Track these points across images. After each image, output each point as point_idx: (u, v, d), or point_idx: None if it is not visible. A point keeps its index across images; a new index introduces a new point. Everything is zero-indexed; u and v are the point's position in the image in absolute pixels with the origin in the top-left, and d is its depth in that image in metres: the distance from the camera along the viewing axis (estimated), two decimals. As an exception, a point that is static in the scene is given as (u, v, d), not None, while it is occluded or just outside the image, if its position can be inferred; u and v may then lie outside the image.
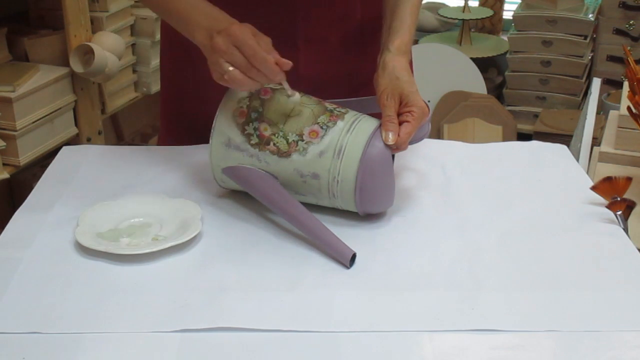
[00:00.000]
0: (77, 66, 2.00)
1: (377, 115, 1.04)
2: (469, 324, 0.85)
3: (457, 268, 0.95)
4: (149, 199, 1.08)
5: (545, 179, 1.18)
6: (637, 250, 0.99)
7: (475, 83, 3.08)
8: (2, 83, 1.86)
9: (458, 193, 1.13)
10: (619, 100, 1.78)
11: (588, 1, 3.13)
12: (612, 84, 2.97)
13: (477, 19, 3.32)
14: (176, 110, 1.32)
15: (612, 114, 1.81)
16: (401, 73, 1.04)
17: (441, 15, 3.38)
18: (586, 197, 1.10)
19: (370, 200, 1.02)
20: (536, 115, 3.10)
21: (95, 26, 2.12)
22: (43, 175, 1.19)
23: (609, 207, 1.07)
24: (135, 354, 0.81)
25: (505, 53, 3.20)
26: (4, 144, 1.83)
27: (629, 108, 1.50)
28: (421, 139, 1.06)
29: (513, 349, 0.82)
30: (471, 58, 3.09)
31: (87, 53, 2.00)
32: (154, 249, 0.96)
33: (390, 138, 1.00)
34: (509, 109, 3.12)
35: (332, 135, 1.00)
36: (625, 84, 1.64)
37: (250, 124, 1.03)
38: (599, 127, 2.19)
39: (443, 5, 3.50)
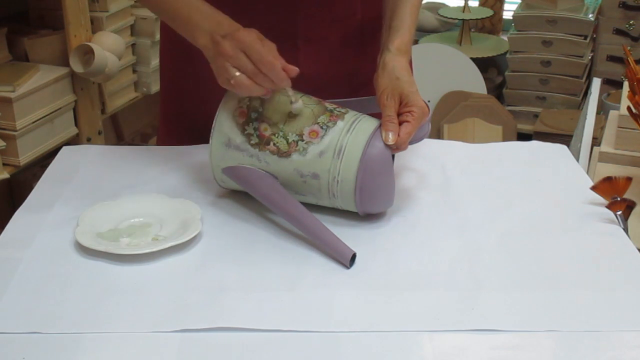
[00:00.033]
0: (77, 66, 2.00)
1: (377, 115, 1.04)
2: (469, 324, 0.85)
3: (457, 268, 0.95)
4: (149, 199, 1.08)
5: (545, 179, 1.18)
6: (637, 250, 0.99)
7: (475, 83, 3.08)
8: (2, 83, 1.86)
9: (458, 193, 1.13)
10: (619, 100, 1.78)
11: (588, 1, 3.13)
12: (612, 84, 2.97)
13: (477, 19, 3.32)
14: (176, 110, 1.32)
15: (612, 114, 1.81)
16: (401, 73, 1.04)
17: (441, 15, 3.38)
18: (586, 197, 1.10)
19: (370, 200, 1.02)
20: (536, 115, 3.10)
21: (95, 26, 2.12)
22: (43, 175, 1.19)
23: (609, 207, 1.07)
24: (135, 354, 0.81)
25: (505, 53, 3.20)
26: (4, 144, 1.83)
27: (629, 108, 1.50)
28: (421, 139, 1.06)
29: (513, 349, 0.82)
30: (471, 58, 3.10)
31: (87, 53, 2.00)
32: (154, 249, 0.96)
33: (390, 138, 1.00)
34: (509, 109, 3.12)
35: (332, 135, 1.01)
36: (625, 84, 1.64)
37: (250, 124, 1.03)
38: (599, 127, 2.19)
39: (443, 5, 3.50)
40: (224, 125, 1.04)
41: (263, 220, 1.06)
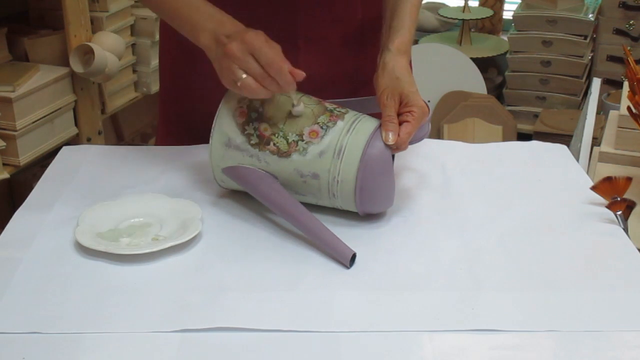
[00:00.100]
0: (77, 66, 2.00)
1: (377, 115, 1.04)
2: (469, 324, 0.85)
3: (457, 268, 0.95)
4: (149, 199, 1.08)
5: (545, 179, 1.18)
6: (637, 250, 0.99)
7: (475, 83, 3.08)
8: (2, 83, 1.86)
9: (458, 193, 1.13)
10: (619, 100, 1.78)
11: (588, 1, 3.13)
12: (612, 84, 2.97)
13: (477, 19, 3.32)
14: (176, 110, 1.32)
15: (612, 114, 1.81)
16: (401, 73, 1.04)
17: (441, 15, 3.38)
18: (586, 197, 1.10)
19: (370, 200, 1.02)
20: (536, 115, 3.10)
21: (95, 26, 2.12)
22: (43, 175, 1.19)
23: (609, 207, 1.07)
24: (135, 354, 0.81)
25: (505, 53, 3.20)
26: (4, 144, 1.83)
27: (629, 108, 1.50)
28: (421, 139, 1.06)
29: (513, 349, 0.82)
30: (471, 58, 3.09)
31: (87, 53, 2.01)
32: (154, 249, 0.96)
33: (390, 138, 1.00)
34: (509, 109, 3.12)
35: (332, 135, 1.00)
36: (625, 84, 1.64)
37: (250, 124, 1.03)
38: (599, 127, 2.19)
39: (443, 5, 3.50)
40: (224, 125, 1.04)
41: (263, 220, 1.06)
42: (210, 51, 1.00)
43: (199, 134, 1.21)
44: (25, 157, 1.90)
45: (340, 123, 1.01)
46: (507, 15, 3.44)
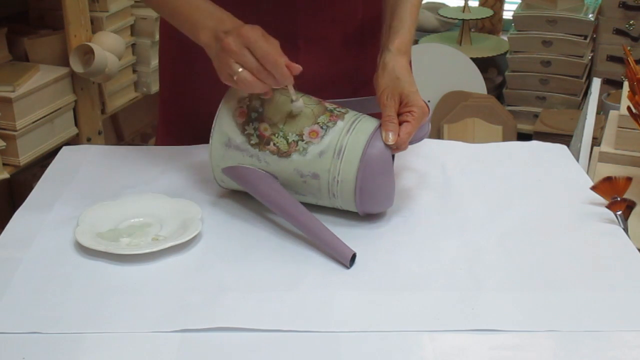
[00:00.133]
0: (77, 66, 2.00)
1: (377, 115, 1.04)
2: (469, 324, 0.85)
3: (457, 268, 0.95)
4: (149, 199, 1.08)
5: (545, 179, 1.18)
6: (637, 250, 0.99)
7: (475, 83, 3.08)
8: (2, 83, 1.86)
9: (458, 193, 1.13)
10: (619, 100, 1.78)
11: (588, 1, 3.13)
12: (612, 84, 2.97)
13: (477, 19, 3.32)
14: (176, 110, 1.32)
15: (612, 114, 1.81)
16: (401, 73, 1.04)
17: (441, 15, 3.38)
18: (586, 197, 1.10)
19: (370, 200, 1.02)
20: (536, 115, 3.10)
21: (95, 26, 2.12)
22: (43, 175, 1.19)
23: (609, 207, 1.07)
24: (135, 354, 0.81)
25: (505, 53, 3.20)
26: (4, 144, 1.83)
27: (629, 108, 1.50)
28: (421, 139, 1.06)
29: (513, 349, 0.82)
30: (471, 58, 3.09)
31: (87, 53, 2.00)
32: (154, 249, 0.96)
33: (390, 138, 1.00)
34: (509, 109, 3.12)
35: (332, 135, 1.00)
36: (625, 84, 1.64)
37: (250, 124, 1.03)
38: (599, 127, 2.19)
39: (443, 5, 3.50)
40: (224, 125, 1.04)
41: (263, 220, 1.06)
42: (210, 49, 1.00)
43: (199, 134, 1.21)
44: (25, 157, 1.90)
45: (340, 123, 1.01)
46: (507, 15, 3.44)
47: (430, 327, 0.85)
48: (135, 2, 2.27)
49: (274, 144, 1.02)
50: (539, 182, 1.17)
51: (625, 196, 1.07)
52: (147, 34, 2.30)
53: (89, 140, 2.12)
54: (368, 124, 1.02)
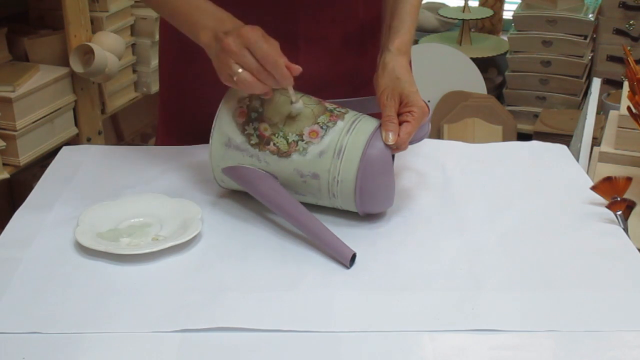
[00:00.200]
0: (77, 66, 2.00)
1: (377, 115, 1.04)
2: (469, 324, 0.85)
3: (457, 268, 0.95)
4: (149, 199, 1.08)
5: (545, 179, 1.18)
6: (637, 250, 0.99)
7: (475, 83, 3.08)
8: (2, 83, 1.86)
9: (458, 193, 1.13)
10: (619, 100, 1.78)
11: (588, 1, 3.13)
12: (612, 84, 2.97)
13: (477, 19, 3.32)
14: (176, 110, 1.32)
15: (612, 114, 1.81)
16: (401, 73, 1.04)
17: (441, 15, 3.38)
18: (586, 197, 1.10)
19: (370, 200, 1.02)
20: (536, 115, 3.10)
21: (95, 26, 2.12)
22: (43, 175, 1.19)
23: (609, 207, 1.07)
24: (135, 354, 0.81)
25: (505, 53, 3.20)
26: (4, 144, 1.83)
27: (629, 108, 1.50)
28: (421, 139, 1.06)
29: (513, 349, 0.82)
30: (471, 58, 3.09)
31: (87, 53, 2.01)
32: (154, 249, 0.96)
33: (390, 138, 1.00)
34: (509, 109, 3.12)
35: (332, 135, 1.00)
36: (625, 84, 1.64)
37: (250, 124, 1.03)
38: (599, 127, 2.19)
39: (443, 5, 3.50)
40: (224, 125, 1.04)
41: (263, 220, 1.06)
42: (210, 49, 1.00)
43: (199, 134, 1.21)
44: (25, 157, 1.90)
45: (340, 123, 1.01)
46: (507, 15, 3.44)
47: (430, 327, 0.85)
48: (135, 2, 2.27)
49: (274, 144, 1.02)
50: (539, 182, 1.17)
51: (625, 196, 1.07)
52: (147, 34, 2.30)
53: (89, 140, 2.12)
54: (368, 124, 1.02)
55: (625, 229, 1.04)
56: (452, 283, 0.92)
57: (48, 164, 1.23)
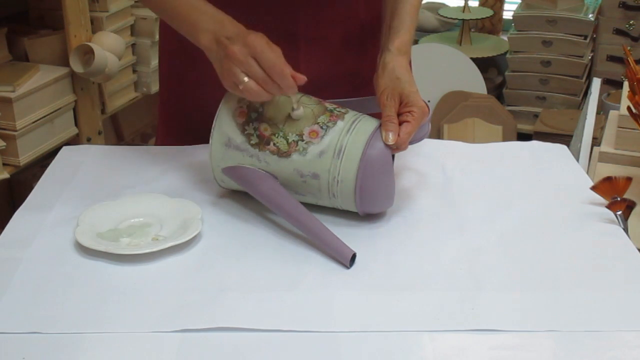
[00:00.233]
0: (77, 66, 2.00)
1: (377, 115, 1.04)
2: (469, 324, 0.85)
3: (457, 268, 0.95)
4: (149, 199, 1.08)
5: (545, 179, 1.18)
6: (637, 250, 0.99)
7: (475, 83, 3.08)
8: (2, 83, 1.86)
9: (458, 193, 1.13)
10: (619, 100, 1.78)
11: (588, 1, 3.13)
12: (612, 84, 2.97)
13: (477, 19, 3.32)
14: (175, 110, 1.32)
15: (612, 114, 1.81)
16: (401, 73, 1.04)
17: (441, 15, 3.38)
18: (586, 197, 1.10)
19: (370, 200, 1.02)
20: (536, 115, 3.10)
21: (95, 26, 2.12)
22: (43, 175, 1.19)
23: (609, 207, 1.07)
24: (135, 354, 0.81)
25: (505, 53, 3.20)
26: (4, 144, 1.83)
27: (629, 108, 1.50)
28: (421, 139, 1.06)
29: (513, 349, 0.82)
30: (471, 58, 3.09)
31: (87, 53, 2.01)
32: (154, 249, 0.96)
33: (390, 138, 1.00)
34: (509, 109, 3.12)
35: (332, 135, 1.01)
36: (625, 84, 1.64)
37: (250, 124, 1.03)
38: (599, 127, 2.19)
39: (443, 5, 3.50)
40: (224, 125, 1.04)
41: (263, 220, 1.06)
42: (211, 52, 1.00)
43: (199, 134, 1.21)
44: (25, 157, 1.90)
45: (340, 123, 1.01)
46: (507, 15, 3.44)
47: (430, 327, 0.85)
48: (135, 2, 2.27)
49: (274, 144, 1.02)
50: (539, 182, 1.17)
51: (625, 196, 1.07)
52: (147, 34, 2.30)
53: (89, 140, 2.13)
54: (368, 124, 1.02)
55: (625, 229, 1.04)
56: (452, 283, 0.92)
57: (48, 164, 1.23)
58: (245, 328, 0.84)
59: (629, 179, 1.09)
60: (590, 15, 3.01)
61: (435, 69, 3.03)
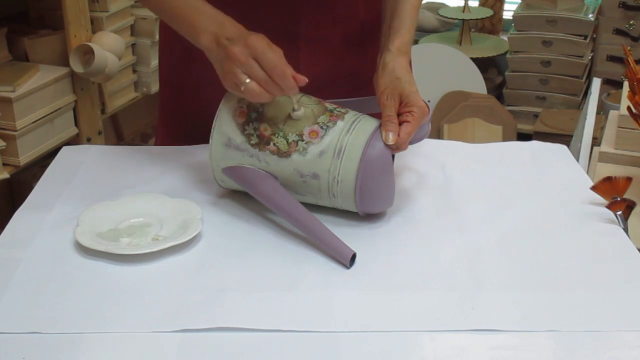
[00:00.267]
0: (77, 66, 2.00)
1: (377, 115, 1.04)
2: (469, 324, 0.85)
3: (457, 268, 0.95)
4: (149, 199, 1.08)
5: (545, 179, 1.18)
6: (637, 250, 0.99)
7: (475, 83, 3.08)
8: (2, 83, 1.86)
9: (458, 193, 1.13)
10: (619, 100, 1.78)
11: (588, 1, 3.13)
12: (612, 84, 2.97)
13: (477, 19, 3.32)
14: (175, 110, 1.32)
15: (612, 114, 1.81)
16: (401, 73, 1.04)
17: (441, 15, 3.38)
18: (586, 197, 1.10)
19: (370, 200, 1.02)
20: (536, 115, 3.10)
21: (95, 26, 2.12)
22: (43, 175, 1.19)
23: (609, 207, 1.07)
24: (135, 354, 0.81)
25: (505, 53, 3.20)
26: (4, 144, 1.83)
27: (629, 108, 1.50)
28: (421, 139, 1.06)
29: (513, 349, 0.82)
30: (471, 58, 3.09)
31: (87, 53, 2.01)
32: (154, 249, 0.96)
33: (390, 138, 1.00)
34: (509, 109, 3.12)
35: (332, 135, 1.01)
36: (625, 84, 1.64)
37: (250, 124, 1.03)
38: (599, 127, 2.19)
39: (443, 5, 3.50)
40: (224, 125, 1.04)
41: (263, 220, 1.06)
42: (211, 53, 1.00)
43: (199, 134, 1.21)
44: (25, 157, 1.90)
45: (340, 123, 1.02)
46: (507, 15, 3.44)
47: (430, 327, 0.85)
48: (135, 2, 2.27)
49: (274, 144, 1.02)
50: (539, 182, 1.17)
51: (625, 196, 1.07)
52: (147, 34, 2.30)
53: (89, 140, 2.13)
54: (368, 124, 1.02)
55: (625, 229, 1.04)
56: (452, 283, 0.92)
57: (48, 164, 1.23)
58: (245, 328, 0.84)
59: (629, 179, 1.09)
60: (590, 15, 3.01)
61: (435, 69, 3.03)
